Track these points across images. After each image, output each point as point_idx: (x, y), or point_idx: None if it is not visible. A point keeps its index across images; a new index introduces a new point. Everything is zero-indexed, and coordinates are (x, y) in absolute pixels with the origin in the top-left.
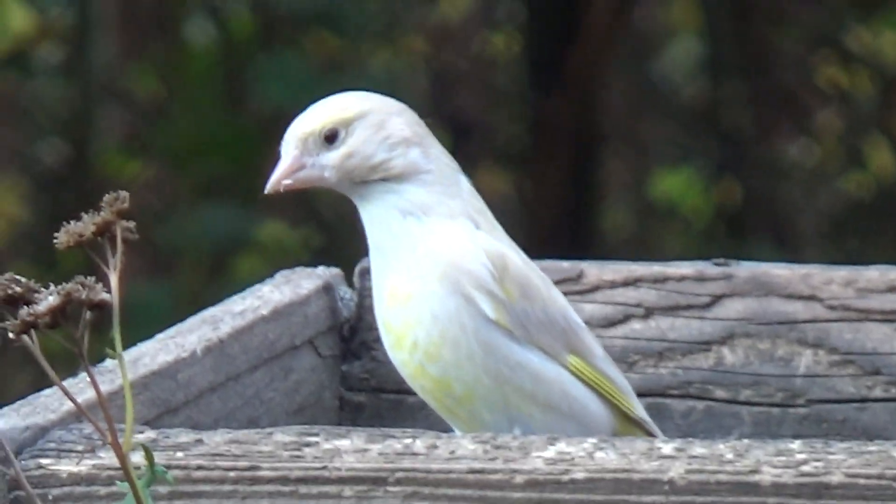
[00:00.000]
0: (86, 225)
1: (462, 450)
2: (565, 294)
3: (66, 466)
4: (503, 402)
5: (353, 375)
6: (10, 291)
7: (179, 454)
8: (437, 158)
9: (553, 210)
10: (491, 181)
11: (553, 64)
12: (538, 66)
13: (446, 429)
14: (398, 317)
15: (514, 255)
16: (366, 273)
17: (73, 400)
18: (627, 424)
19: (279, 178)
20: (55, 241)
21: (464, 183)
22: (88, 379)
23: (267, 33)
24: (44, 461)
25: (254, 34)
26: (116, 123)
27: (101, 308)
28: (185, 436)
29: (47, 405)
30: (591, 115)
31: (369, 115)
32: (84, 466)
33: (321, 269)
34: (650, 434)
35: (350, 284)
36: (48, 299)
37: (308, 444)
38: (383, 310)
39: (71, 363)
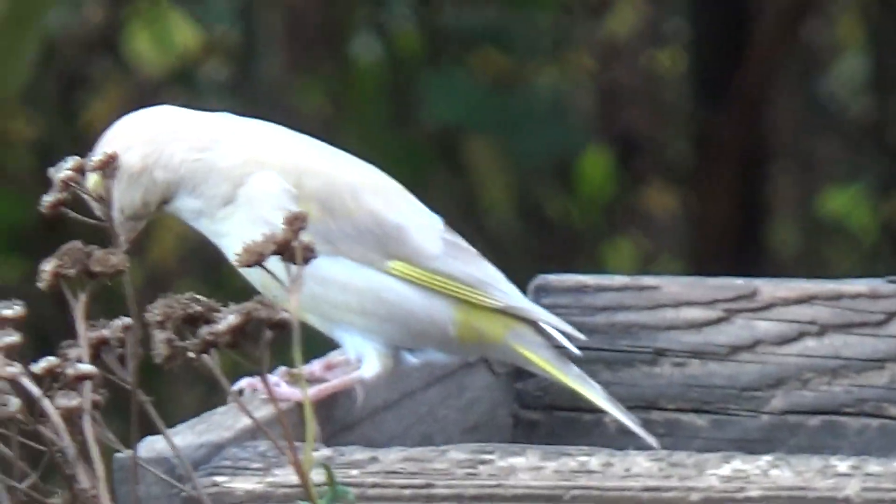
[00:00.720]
0: (266, 244)
1: (637, 467)
2: (737, 312)
3: (242, 484)
4: (323, 313)
5: (527, 393)
6: (190, 311)
7: (354, 472)
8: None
9: (720, 227)
10: (658, 198)
11: (720, 81)
12: (705, 82)
13: (622, 446)
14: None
15: (312, 171)
16: (541, 290)
17: (252, 417)
18: (480, 315)
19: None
20: (236, 259)
21: (227, 128)
22: (265, 397)
23: (434, 51)
24: (219, 479)
25: (421, 51)
26: None
27: (282, 327)
28: (360, 453)
29: (222, 423)
30: (758, 131)
31: (125, 170)
32: (260, 484)
33: None
34: (523, 320)
35: None
36: (228, 318)
37: (483, 462)
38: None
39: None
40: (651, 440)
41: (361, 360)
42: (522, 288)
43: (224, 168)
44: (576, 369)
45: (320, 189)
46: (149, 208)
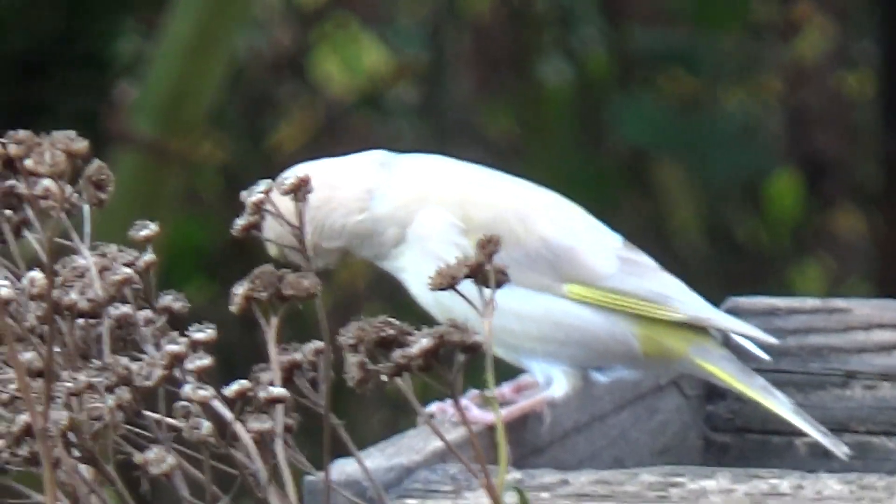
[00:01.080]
0: (458, 267)
1: (829, 490)
2: None
3: None
4: (504, 343)
5: (717, 415)
6: (383, 334)
7: (545, 494)
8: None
9: None
10: (846, 221)
11: None
12: (893, 105)
13: (813, 469)
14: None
15: (478, 202)
16: (731, 313)
17: (443, 440)
18: (661, 330)
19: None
20: (429, 282)
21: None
22: (455, 420)
23: (622, 73)
24: (409, 501)
25: (609, 73)
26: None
27: (475, 351)
28: (551, 476)
29: (412, 446)
30: None
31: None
32: None
33: None
34: (705, 334)
35: None
36: (421, 342)
37: (674, 485)
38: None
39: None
40: (839, 451)
41: (550, 381)
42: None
43: (385, 214)
44: (760, 381)
45: (487, 219)
46: (332, 265)
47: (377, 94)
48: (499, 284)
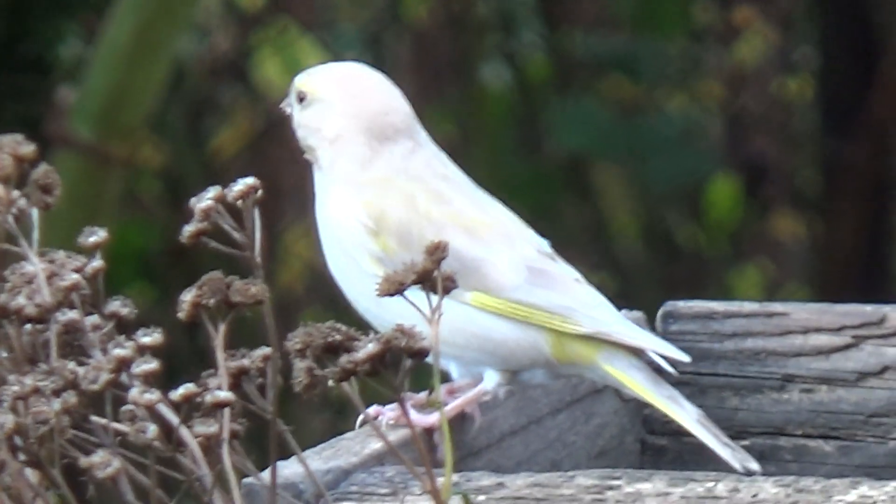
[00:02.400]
0: (406, 273)
1: (764, 493)
2: (866, 338)
3: None
4: None
5: (654, 419)
6: (330, 339)
7: (481, 497)
8: (356, 153)
9: (847, 253)
10: (785, 225)
11: (849, 108)
12: (833, 110)
13: (749, 473)
14: None
15: (394, 205)
16: (668, 317)
17: (386, 440)
18: (569, 340)
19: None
20: (376, 288)
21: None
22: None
23: (562, 77)
24: None
25: (549, 78)
26: None
27: (421, 356)
28: (487, 479)
29: (349, 448)
30: (886, 159)
31: (322, 102)
32: None
33: (624, 312)
34: (616, 344)
35: (653, 328)
36: (367, 347)
37: (610, 488)
38: None
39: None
40: (740, 465)
41: (480, 378)
42: (651, 314)
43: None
44: (668, 391)
45: (399, 225)
46: (306, 148)
47: None
48: (446, 291)
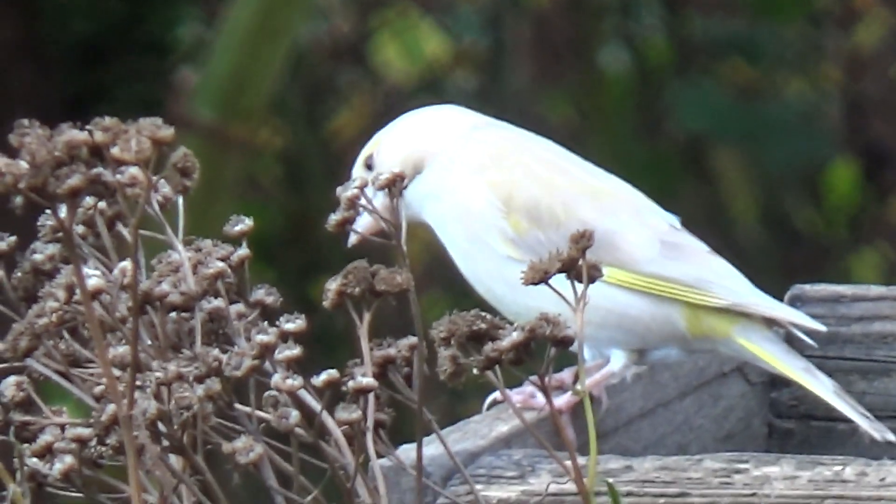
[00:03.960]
0: (552, 261)
1: (892, 477)
2: None
3: (496, 492)
4: None
5: (781, 402)
6: (475, 328)
7: (609, 480)
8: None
9: None
10: None
11: None
12: None
13: (877, 456)
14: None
15: (522, 184)
16: (796, 300)
17: (526, 424)
18: (705, 314)
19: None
20: (521, 276)
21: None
22: (546, 411)
23: (682, 61)
24: (476, 486)
25: (668, 61)
26: None
27: (566, 344)
28: (615, 462)
29: (477, 431)
30: None
31: (394, 128)
32: (514, 492)
33: None
34: (751, 316)
35: None
36: (512, 335)
37: (738, 472)
38: None
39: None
40: (880, 436)
41: (607, 359)
42: (779, 297)
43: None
44: (803, 363)
45: (528, 201)
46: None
47: (436, 81)
48: (591, 280)
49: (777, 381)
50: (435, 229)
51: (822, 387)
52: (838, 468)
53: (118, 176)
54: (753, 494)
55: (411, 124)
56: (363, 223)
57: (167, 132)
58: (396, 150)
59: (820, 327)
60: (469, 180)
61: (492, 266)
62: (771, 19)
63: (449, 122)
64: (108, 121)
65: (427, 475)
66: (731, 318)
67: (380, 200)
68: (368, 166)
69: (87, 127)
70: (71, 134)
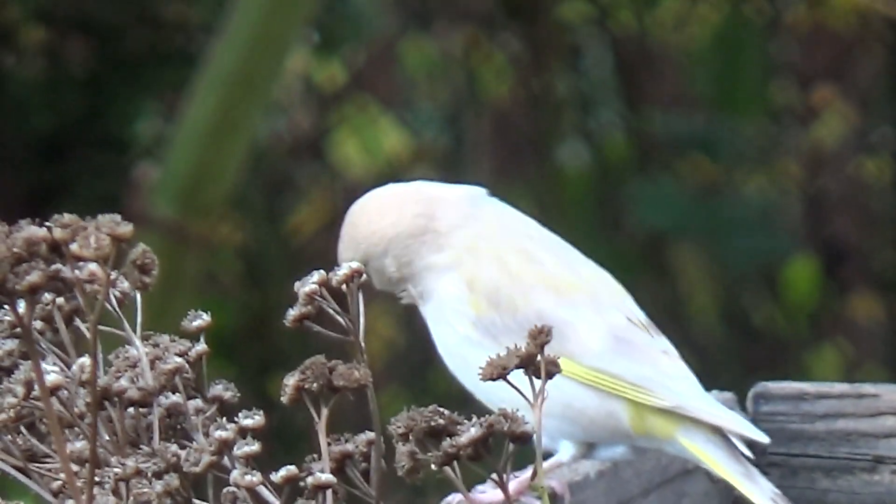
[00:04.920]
0: (510, 357)
1: None
2: None
3: None
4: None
5: (746, 501)
6: (432, 423)
7: None
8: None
9: None
10: (864, 307)
11: None
12: None
13: None
14: None
15: (486, 269)
16: (760, 397)
17: None
18: (650, 413)
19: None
20: (479, 372)
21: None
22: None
23: (642, 157)
24: None
25: (628, 158)
26: None
27: (523, 440)
28: None
29: None
30: None
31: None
32: None
33: (714, 393)
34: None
35: (743, 409)
36: (470, 431)
37: None
38: None
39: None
40: None
41: (556, 450)
42: (738, 394)
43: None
44: (744, 468)
45: (489, 285)
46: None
47: (396, 177)
48: (549, 376)
49: None
50: (426, 318)
51: (759, 493)
52: None
53: (77, 272)
54: None
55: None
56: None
57: (126, 229)
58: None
59: (764, 438)
60: (448, 273)
61: (452, 344)
62: (730, 115)
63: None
64: (67, 217)
65: None
66: (674, 419)
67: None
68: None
69: (47, 223)
70: (30, 230)
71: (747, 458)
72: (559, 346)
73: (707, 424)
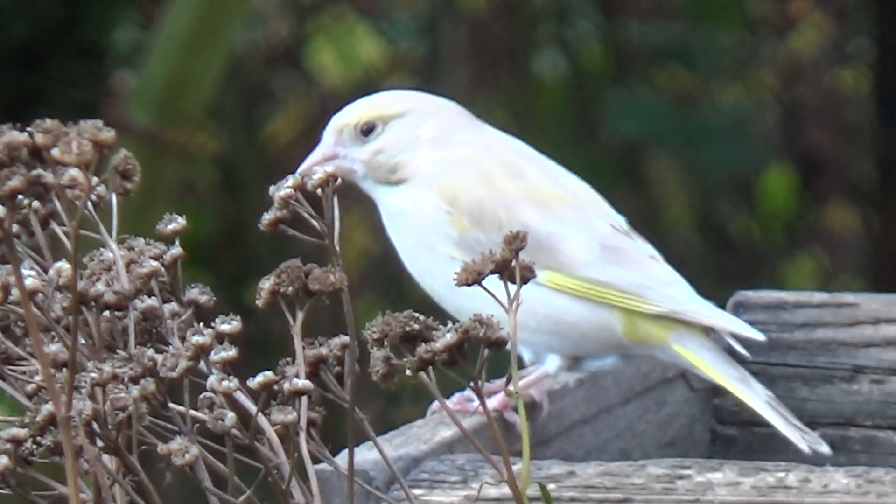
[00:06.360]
0: (484, 262)
1: (835, 484)
2: None
3: (439, 497)
4: None
5: (724, 408)
6: (407, 329)
7: (552, 486)
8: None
9: None
10: (840, 217)
11: None
12: (889, 102)
13: (820, 463)
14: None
15: (467, 187)
16: (739, 306)
17: (462, 429)
18: (642, 320)
19: (309, 165)
20: (454, 278)
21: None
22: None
23: (618, 67)
24: (416, 491)
25: (604, 67)
26: None
27: (499, 345)
28: (558, 467)
29: (419, 436)
30: None
31: (407, 115)
32: (456, 497)
33: None
34: (689, 324)
35: None
36: (445, 337)
37: (681, 477)
38: None
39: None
40: (807, 448)
41: (542, 361)
42: (715, 304)
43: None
44: (737, 372)
45: (471, 202)
46: (388, 173)
47: (372, 86)
48: (524, 281)
49: (720, 388)
50: (386, 225)
51: (754, 397)
52: (781, 474)
53: (58, 178)
54: (696, 501)
55: (419, 128)
56: (337, 167)
57: (108, 135)
58: (396, 152)
59: (759, 336)
60: (424, 186)
61: (434, 266)
62: (707, 26)
63: (442, 145)
64: (48, 123)
65: (370, 480)
66: (668, 324)
67: (354, 166)
68: (364, 132)
69: (28, 129)
70: (11, 135)
71: (751, 360)
72: (549, 259)
73: (699, 329)
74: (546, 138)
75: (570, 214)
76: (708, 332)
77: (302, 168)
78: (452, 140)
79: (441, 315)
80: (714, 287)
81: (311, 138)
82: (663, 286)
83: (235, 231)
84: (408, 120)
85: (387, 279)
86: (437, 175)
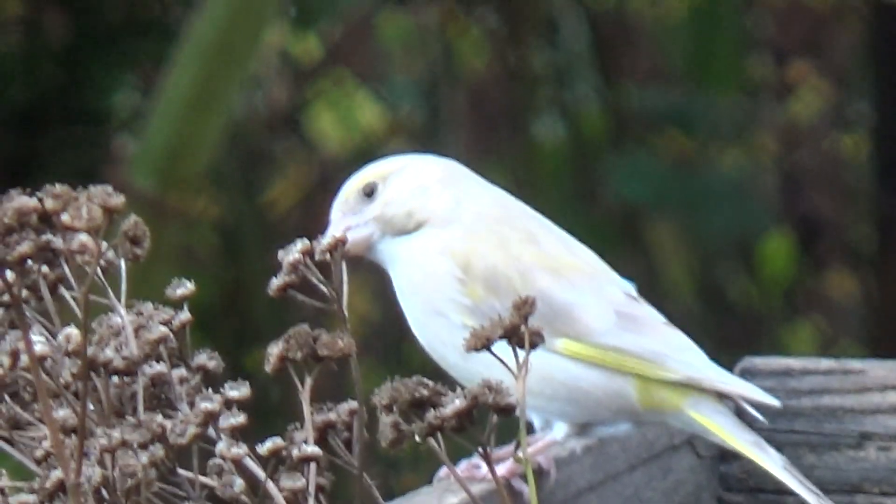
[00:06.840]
0: (493, 328)
1: None
2: None
3: None
4: None
5: (731, 476)
6: (417, 395)
7: None
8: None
9: None
10: (839, 282)
11: None
12: (888, 167)
13: None
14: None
15: (484, 253)
16: (746, 373)
17: (470, 494)
18: (657, 387)
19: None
20: (463, 343)
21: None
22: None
23: (617, 131)
24: None
25: (604, 132)
26: None
27: (508, 412)
28: None
29: (426, 503)
30: None
31: (406, 169)
32: None
33: None
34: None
35: None
36: (455, 402)
37: None
38: None
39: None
40: None
41: (551, 427)
42: (726, 370)
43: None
44: (752, 437)
45: (486, 270)
46: (405, 218)
47: (372, 151)
48: (533, 346)
49: (727, 455)
50: (396, 290)
51: (771, 461)
52: None
53: (67, 243)
54: None
55: (422, 175)
56: (354, 237)
57: (118, 200)
58: (406, 199)
59: (774, 402)
60: (436, 250)
61: (445, 333)
62: (706, 90)
63: (451, 185)
64: (58, 188)
65: None
66: (683, 391)
67: (369, 228)
68: (367, 194)
69: (37, 194)
70: (21, 201)
71: (758, 427)
72: (566, 327)
73: (713, 395)
74: (546, 202)
75: (584, 282)
76: (721, 398)
77: (319, 251)
78: (462, 185)
79: (443, 379)
80: (713, 352)
81: (311, 204)
82: (679, 353)
83: (235, 297)
84: (408, 171)
85: (386, 345)
86: (454, 238)
